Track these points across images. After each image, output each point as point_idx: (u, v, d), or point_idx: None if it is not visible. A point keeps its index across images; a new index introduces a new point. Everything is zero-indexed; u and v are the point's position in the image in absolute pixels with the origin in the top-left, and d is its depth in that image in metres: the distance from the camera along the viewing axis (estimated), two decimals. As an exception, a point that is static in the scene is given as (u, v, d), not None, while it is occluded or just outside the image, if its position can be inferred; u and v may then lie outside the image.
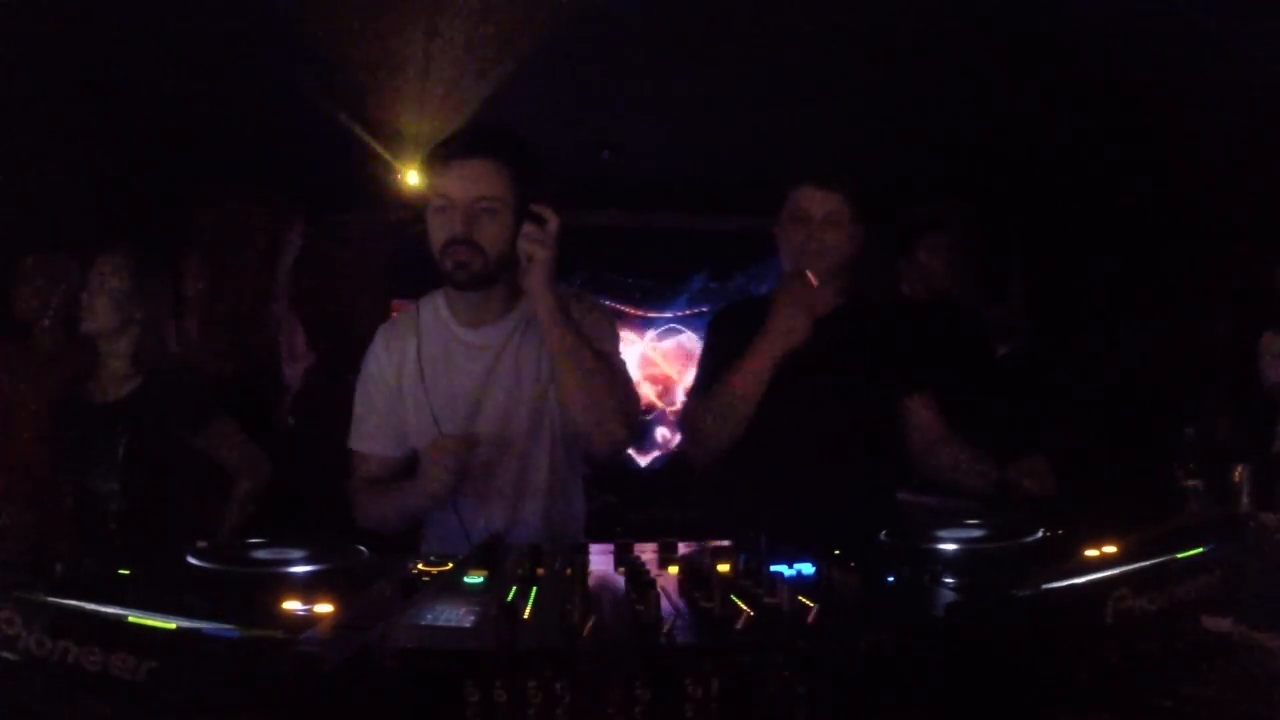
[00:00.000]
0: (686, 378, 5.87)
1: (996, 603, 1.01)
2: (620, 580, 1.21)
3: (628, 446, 1.98)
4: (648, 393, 6.16)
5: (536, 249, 1.72)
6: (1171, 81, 3.44)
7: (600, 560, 1.31)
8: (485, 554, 1.30)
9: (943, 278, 3.08)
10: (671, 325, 6.28)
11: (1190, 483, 1.79)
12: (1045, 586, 1.02)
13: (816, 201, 1.99)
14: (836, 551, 1.23)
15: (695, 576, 1.17)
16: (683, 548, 1.37)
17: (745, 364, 1.93)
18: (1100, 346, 4.09)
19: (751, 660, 0.90)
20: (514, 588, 1.12)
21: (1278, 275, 3.39)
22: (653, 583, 1.04)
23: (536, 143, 1.86)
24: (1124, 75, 3.48)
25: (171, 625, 0.94)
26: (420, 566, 1.28)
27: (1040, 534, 1.32)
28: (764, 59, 3.66)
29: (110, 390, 2.44)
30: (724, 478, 2.09)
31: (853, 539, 1.30)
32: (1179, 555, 1.11)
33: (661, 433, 6.19)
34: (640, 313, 6.24)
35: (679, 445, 5.70)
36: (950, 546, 1.29)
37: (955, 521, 1.40)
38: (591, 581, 1.19)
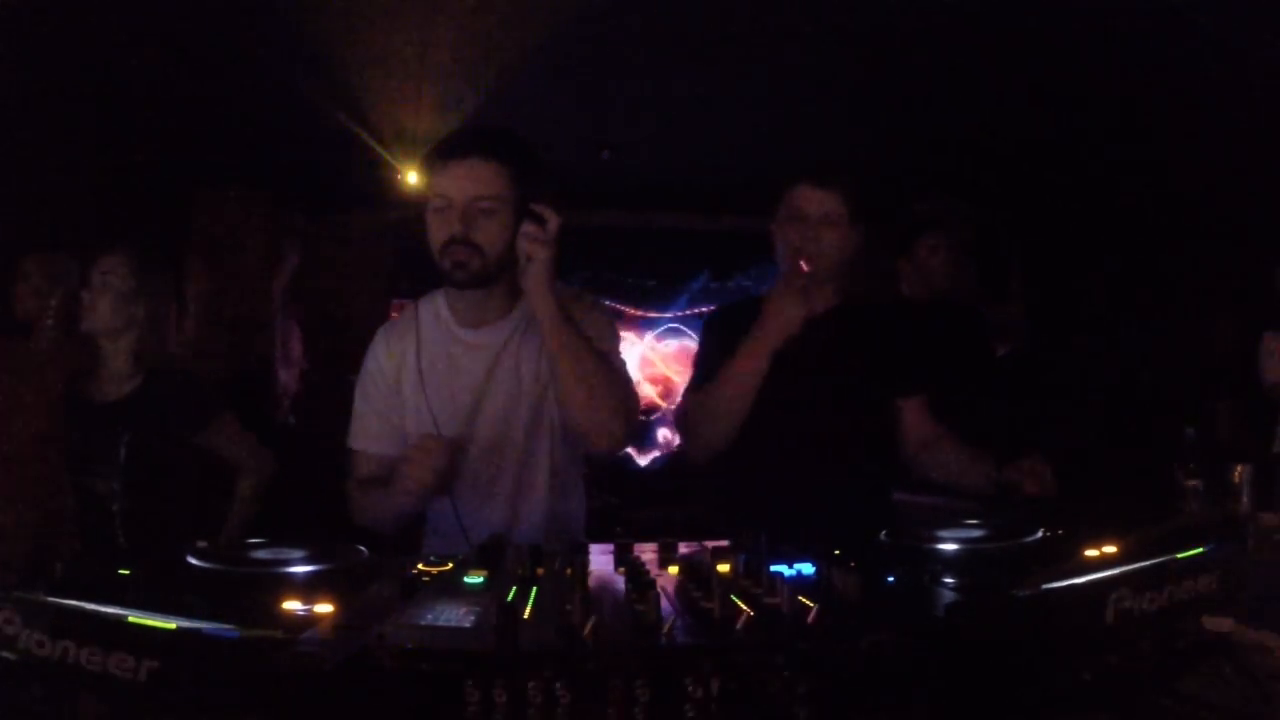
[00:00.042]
0: (688, 378, 5.87)
1: (996, 603, 1.01)
2: (620, 580, 1.21)
3: (626, 445, 1.99)
4: (650, 393, 6.16)
5: (536, 248, 1.72)
6: (1171, 81, 3.44)
7: (600, 560, 1.31)
8: (485, 554, 1.30)
9: (943, 278, 3.08)
10: (672, 325, 6.28)
11: (1190, 483, 1.79)
12: (1045, 586, 1.02)
13: (814, 201, 1.98)
14: (836, 551, 1.23)
15: (695, 576, 1.17)
16: (683, 548, 1.37)
17: (742, 358, 1.93)
18: (1100, 346, 4.09)
19: (751, 660, 0.90)
20: (514, 588, 1.12)
21: (1278, 275, 3.39)
22: (653, 583, 1.04)
23: (536, 143, 1.85)
24: (1124, 75, 3.48)
25: (171, 625, 0.94)
26: (420, 566, 1.28)
27: (1040, 534, 1.32)
28: (764, 59, 3.66)
29: (111, 390, 2.44)
30: (723, 478, 2.09)
31: (851, 539, 1.30)
32: (1179, 555, 1.11)
33: (663, 433, 6.19)
34: (640, 313, 6.24)
35: (680, 445, 5.70)
36: (950, 546, 1.29)
37: (955, 521, 1.40)
38: (591, 581, 1.19)
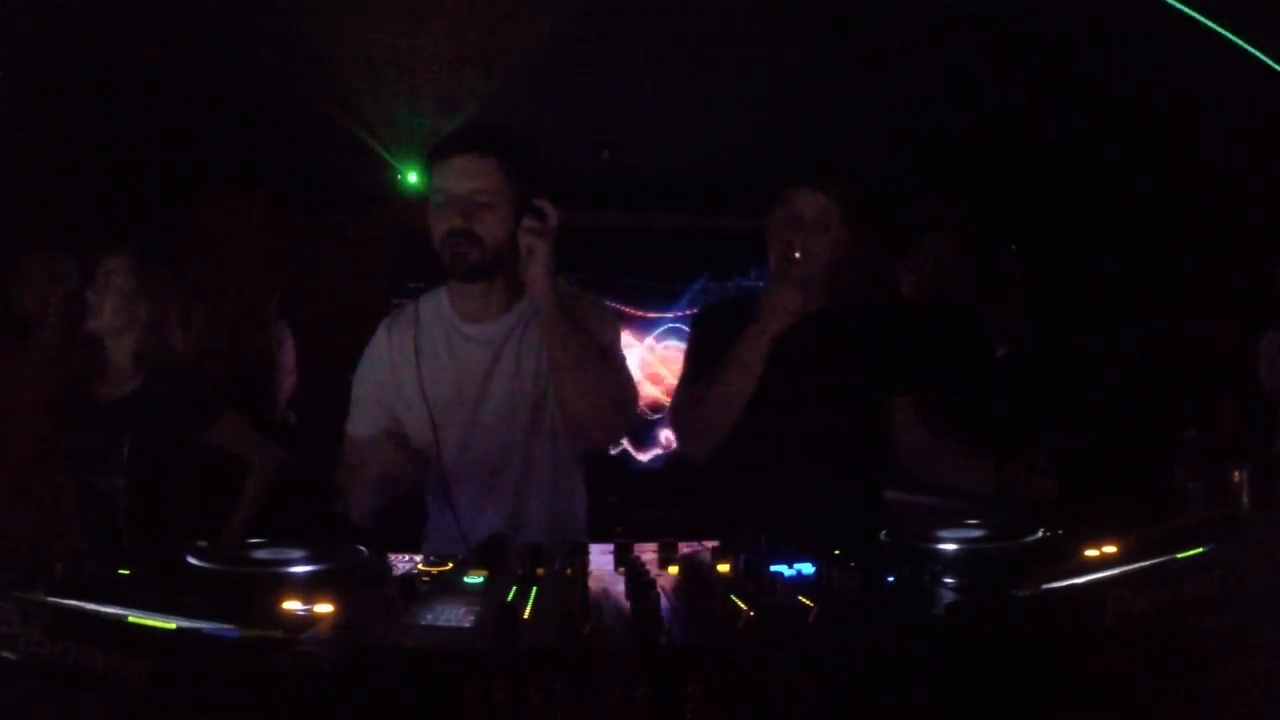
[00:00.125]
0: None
1: (996, 603, 1.01)
2: (620, 580, 1.21)
3: (622, 437, 2.01)
4: (653, 392, 6.15)
5: (536, 241, 1.74)
6: (1171, 81, 3.44)
7: (600, 560, 1.31)
8: (485, 554, 1.30)
9: (943, 278, 3.07)
10: (673, 326, 6.27)
11: (1190, 483, 1.79)
12: (1045, 586, 1.02)
13: (809, 203, 1.98)
14: (836, 551, 1.23)
15: (695, 576, 1.17)
16: (683, 548, 1.37)
17: (742, 350, 1.92)
18: (1100, 347, 4.08)
19: (751, 660, 0.90)
20: (514, 588, 1.12)
21: (1278, 275, 3.39)
22: (653, 583, 1.04)
23: (536, 143, 1.88)
24: (1124, 75, 3.48)
25: (171, 625, 0.94)
26: (420, 566, 1.28)
27: (1040, 534, 1.32)
28: (764, 59, 3.66)
29: (114, 389, 2.44)
30: (718, 478, 2.09)
31: (847, 539, 1.30)
32: (1179, 555, 1.11)
33: (665, 433, 6.19)
34: (641, 313, 6.24)
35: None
36: (950, 546, 1.29)
37: (955, 521, 1.40)
38: (591, 581, 1.19)
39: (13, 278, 2.91)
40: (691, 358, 2.15)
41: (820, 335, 1.98)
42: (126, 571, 1.22)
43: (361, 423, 1.93)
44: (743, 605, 1.01)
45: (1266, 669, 1.14)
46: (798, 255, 1.95)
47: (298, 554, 1.29)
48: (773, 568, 1.18)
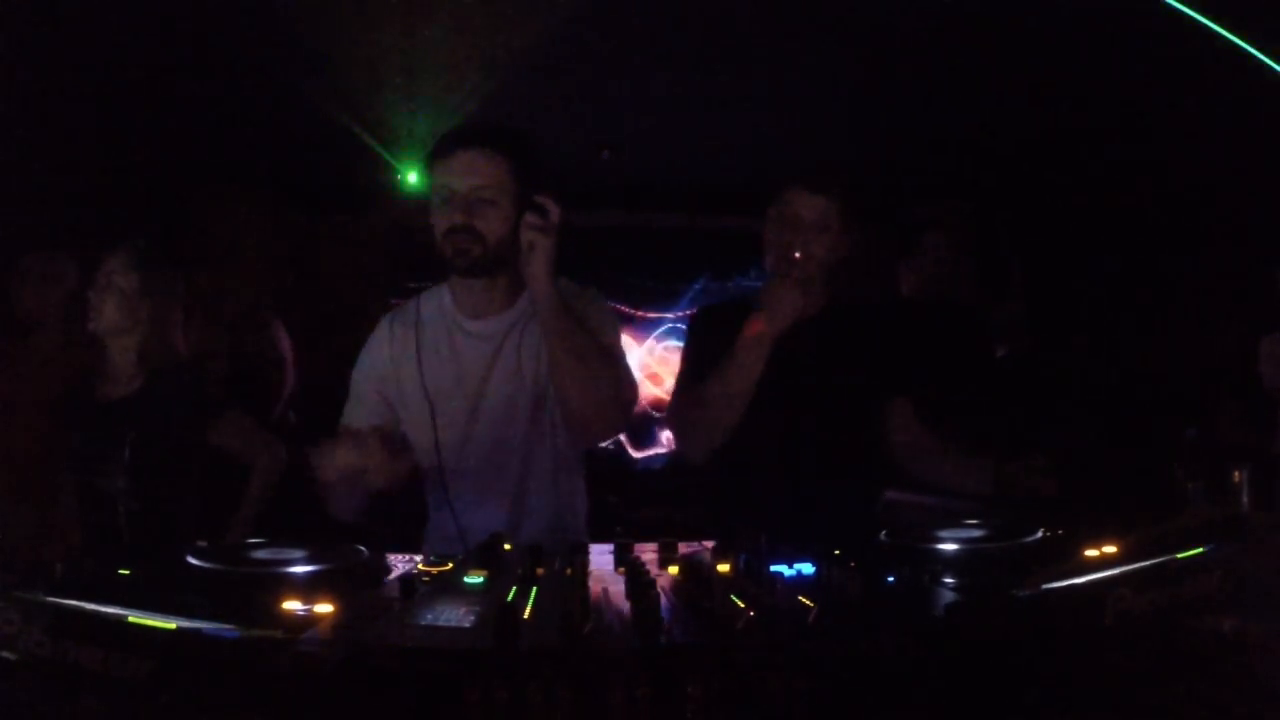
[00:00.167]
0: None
1: (996, 603, 1.01)
2: (620, 580, 1.21)
3: (620, 433, 2.02)
4: (654, 392, 6.15)
5: (538, 237, 1.75)
6: (1171, 81, 3.44)
7: (600, 560, 1.31)
8: (485, 554, 1.30)
9: (943, 278, 3.07)
10: (673, 326, 6.27)
11: (1190, 483, 1.79)
12: (1045, 586, 1.02)
13: (807, 205, 1.99)
14: (836, 551, 1.23)
15: (695, 576, 1.17)
16: (683, 548, 1.37)
17: (743, 349, 1.92)
18: (1101, 346, 4.08)
19: (751, 660, 0.90)
20: (514, 588, 1.12)
21: (1278, 276, 3.38)
22: (653, 583, 1.04)
23: (536, 143, 1.88)
24: (1124, 75, 3.48)
25: (171, 625, 0.94)
26: (420, 566, 1.28)
27: (1040, 534, 1.32)
28: (764, 59, 3.66)
29: (116, 389, 2.44)
30: (721, 478, 2.09)
31: (845, 539, 1.30)
32: (1179, 555, 1.11)
33: (665, 433, 6.19)
34: (641, 313, 6.23)
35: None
36: (950, 546, 1.29)
37: (955, 521, 1.40)
38: (591, 581, 1.19)
39: (13, 278, 2.91)
40: (690, 358, 2.15)
41: (820, 335, 1.99)
42: (126, 571, 1.22)
43: (358, 416, 1.93)
44: (743, 605, 1.01)
45: (1266, 669, 1.14)
46: (797, 256, 1.95)
47: (298, 554, 1.29)
48: (773, 568, 1.18)
